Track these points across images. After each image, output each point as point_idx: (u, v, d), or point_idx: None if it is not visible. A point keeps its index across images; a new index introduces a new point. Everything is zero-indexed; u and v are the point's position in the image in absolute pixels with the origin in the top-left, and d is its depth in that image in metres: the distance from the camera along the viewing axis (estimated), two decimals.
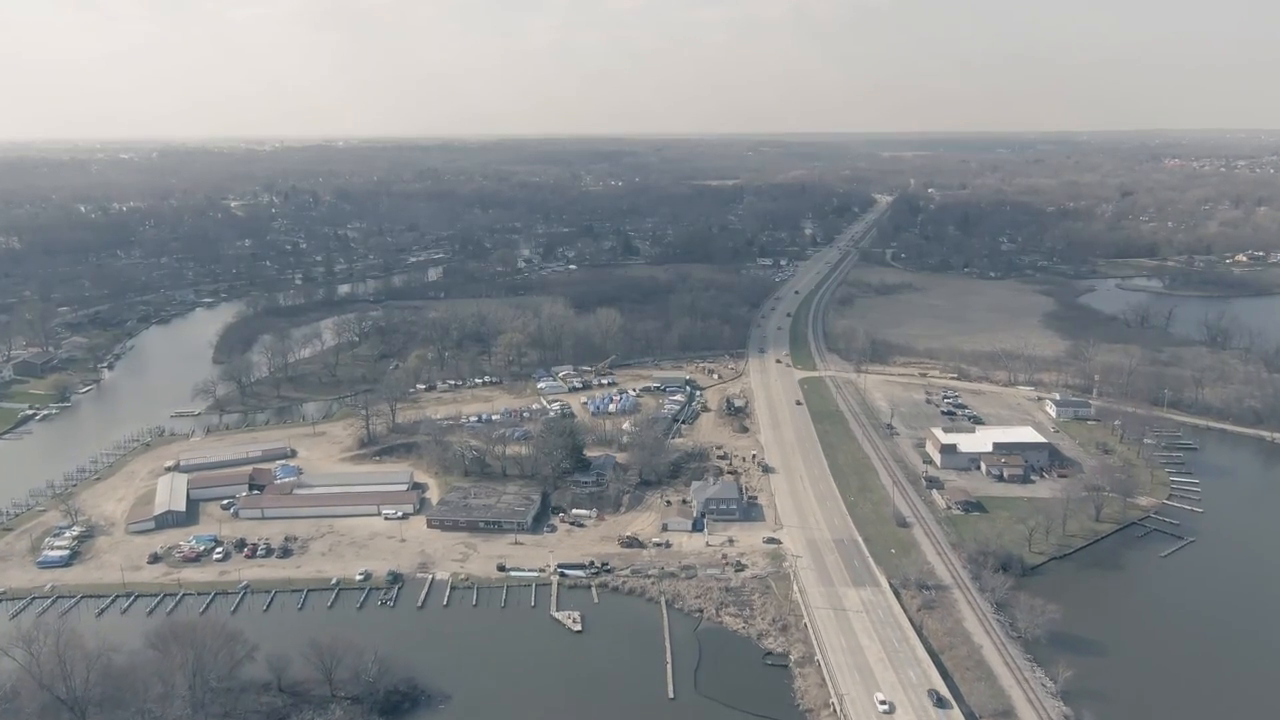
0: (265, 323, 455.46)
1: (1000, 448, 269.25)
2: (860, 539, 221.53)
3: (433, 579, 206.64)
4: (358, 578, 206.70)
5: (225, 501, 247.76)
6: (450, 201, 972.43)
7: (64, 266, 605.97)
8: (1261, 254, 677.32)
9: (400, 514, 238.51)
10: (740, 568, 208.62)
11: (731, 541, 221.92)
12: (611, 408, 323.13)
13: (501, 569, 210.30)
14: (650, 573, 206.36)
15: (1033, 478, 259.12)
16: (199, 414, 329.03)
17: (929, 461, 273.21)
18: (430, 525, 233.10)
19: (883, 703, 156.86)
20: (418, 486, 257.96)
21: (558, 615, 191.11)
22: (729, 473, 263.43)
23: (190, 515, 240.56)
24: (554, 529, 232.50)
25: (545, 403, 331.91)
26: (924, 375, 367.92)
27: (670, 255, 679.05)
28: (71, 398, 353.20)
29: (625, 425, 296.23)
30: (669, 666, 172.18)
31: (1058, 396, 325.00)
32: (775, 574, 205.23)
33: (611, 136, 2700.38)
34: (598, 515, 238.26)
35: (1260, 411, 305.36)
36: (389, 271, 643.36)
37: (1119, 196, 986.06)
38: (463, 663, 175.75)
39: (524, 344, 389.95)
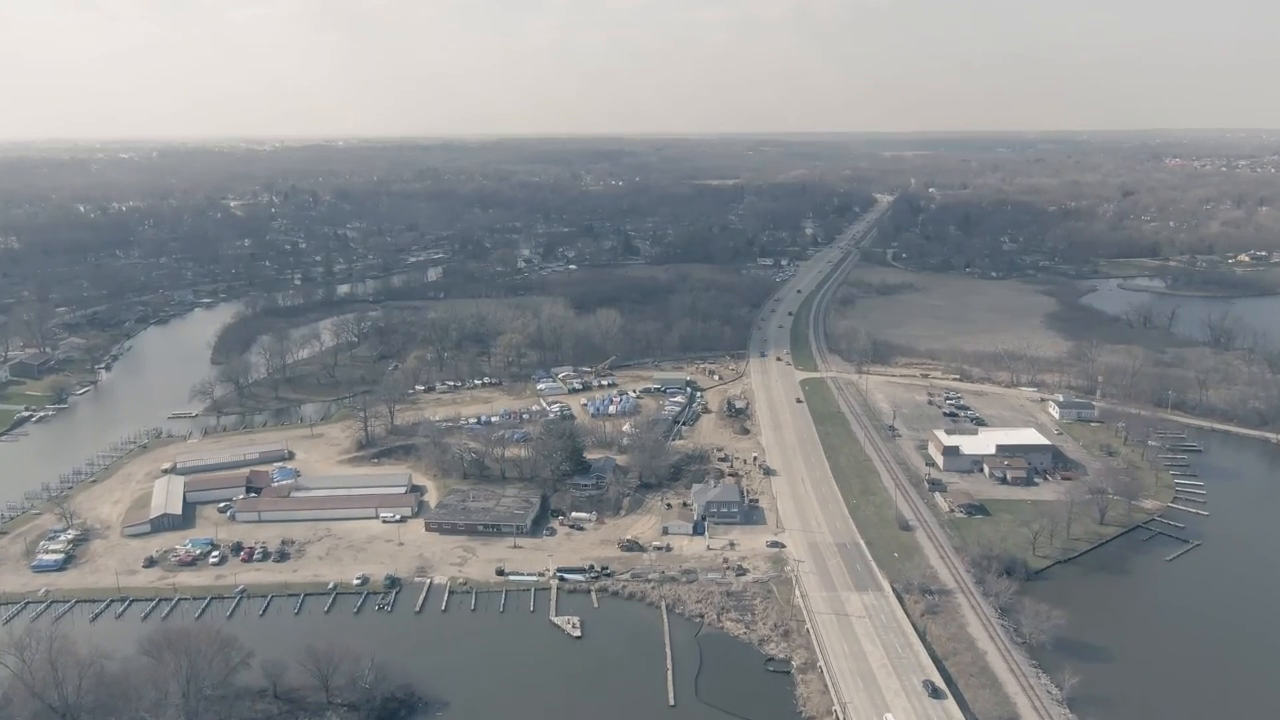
0: (264, 323, 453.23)
1: (1003, 450, 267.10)
2: (862, 542, 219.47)
3: (431, 583, 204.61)
4: (355, 582, 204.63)
5: (222, 504, 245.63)
6: (450, 201, 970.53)
7: (62, 267, 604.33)
8: (1264, 254, 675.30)
9: (398, 517, 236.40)
10: (741, 572, 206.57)
11: (733, 545, 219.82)
12: (611, 409, 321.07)
13: (500, 573, 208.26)
14: (650, 577, 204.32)
15: (1036, 480, 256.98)
16: (196, 415, 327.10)
17: (931, 464, 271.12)
18: (428, 528, 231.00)
19: None
20: (416, 489, 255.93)
21: (557, 620, 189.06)
22: (730, 475, 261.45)
23: (186, 518, 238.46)
24: (553, 532, 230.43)
25: (545, 404, 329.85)
26: (926, 376, 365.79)
27: (671, 255, 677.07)
28: (68, 399, 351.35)
29: (625, 427, 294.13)
30: (669, 673, 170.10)
31: (1061, 398, 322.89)
32: (777, 578, 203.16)
33: (612, 136, 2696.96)
34: (597, 518, 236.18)
35: (1265, 413, 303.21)
36: (388, 271, 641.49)
37: (1120, 196, 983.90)
38: (460, 669, 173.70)
39: (523, 345, 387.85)
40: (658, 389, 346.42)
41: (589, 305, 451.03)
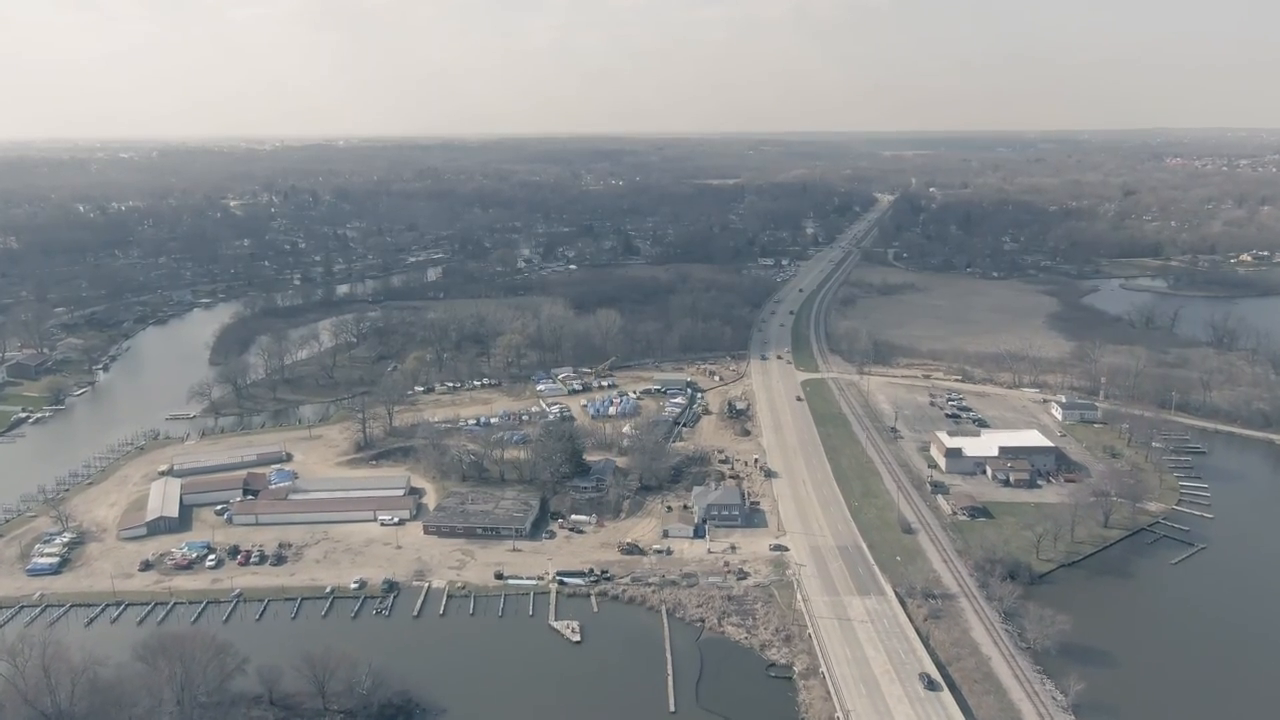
0: (262, 323, 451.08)
1: (1006, 452, 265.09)
2: (865, 546, 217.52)
3: (429, 587, 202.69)
4: (353, 586, 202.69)
5: (219, 507, 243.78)
6: (450, 201, 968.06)
7: (61, 266, 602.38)
8: (1266, 253, 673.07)
9: (396, 520, 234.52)
10: (743, 575, 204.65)
11: (734, 548, 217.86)
12: (611, 410, 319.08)
13: (499, 577, 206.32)
14: (651, 581, 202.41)
15: (1039, 482, 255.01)
16: (194, 417, 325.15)
17: (933, 466, 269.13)
18: (427, 531, 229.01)
19: None
20: (414, 491, 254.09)
21: (556, 625, 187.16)
22: (731, 477, 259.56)
23: (183, 521, 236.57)
24: (553, 535, 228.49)
25: (544, 405, 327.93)
26: (927, 377, 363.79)
27: (671, 255, 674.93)
28: (66, 400, 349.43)
29: (625, 428, 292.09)
30: (670, 678, 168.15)
31: (1064, 399, 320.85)
32: (778, 582, 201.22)
33: (612, 135, 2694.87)
34: (597, 521, 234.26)
35: (1269, 414, 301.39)
36: (388, 271, 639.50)
37: (1122, 196, 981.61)
38: (459, 674, 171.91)
39: (523, 345, 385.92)
40: (658, 390, 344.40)
41: (589, 305, 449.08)
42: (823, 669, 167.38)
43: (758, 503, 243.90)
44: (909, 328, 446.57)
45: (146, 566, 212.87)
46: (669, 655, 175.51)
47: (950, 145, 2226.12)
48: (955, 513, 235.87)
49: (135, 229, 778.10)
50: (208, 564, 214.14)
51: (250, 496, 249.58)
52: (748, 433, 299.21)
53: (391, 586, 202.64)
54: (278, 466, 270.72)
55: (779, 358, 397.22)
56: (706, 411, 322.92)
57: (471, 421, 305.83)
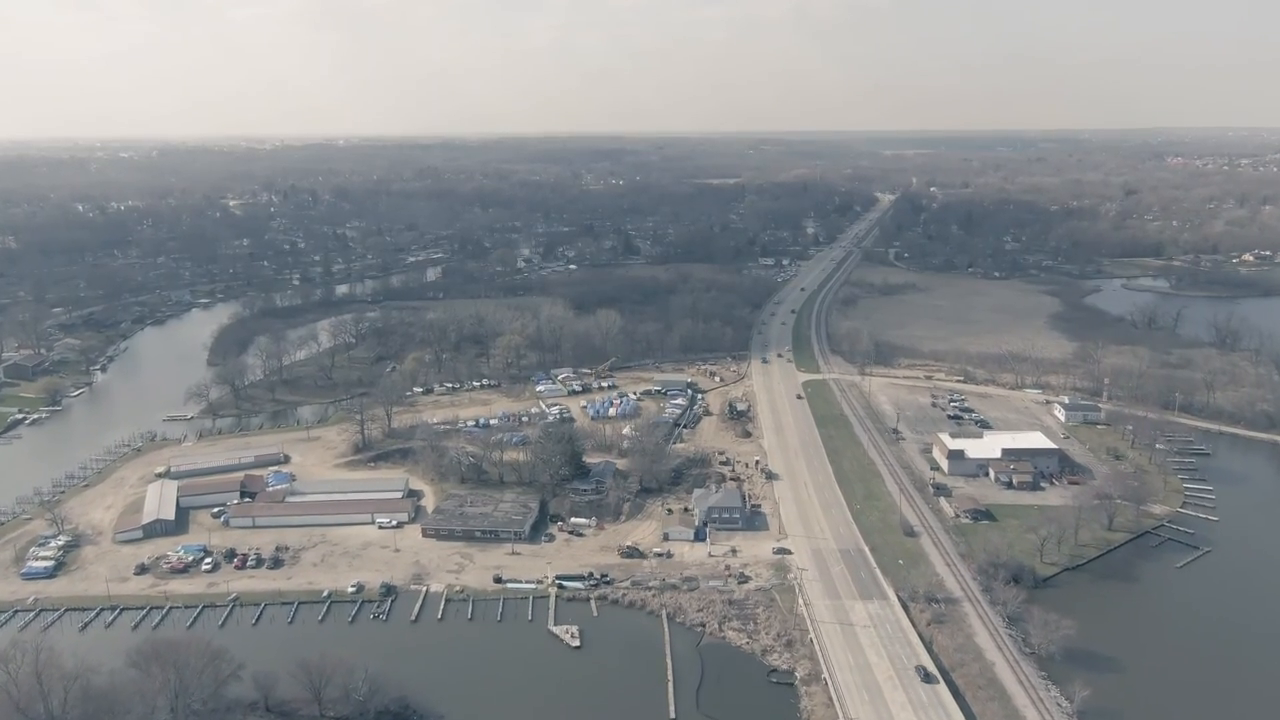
0: (261, 324, 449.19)
1: (1009, 453, 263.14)
2: (867, 549, 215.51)
3: (427, 591, 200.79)
4: (350, 590, 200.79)
5: (216, 509, 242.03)
6: (450, 200, 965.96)
7: (60, 266, 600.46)
8: (1268, 253, 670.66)
9: (395, 523, 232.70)
10: (744, 579, 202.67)
11: (734, 552, 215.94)
12: (611, 412, 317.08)
13: (498, 580, 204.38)
14: (651, 584, 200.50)
15: (1043, 485, 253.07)
16: (192, 418, 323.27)
17: (936, 468, 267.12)
18: (425, 534, 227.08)
19: None
20: (413, 494, 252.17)
21: (555, 629, 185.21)
22: (732, 479, 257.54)
23: (180, 524, 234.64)
24: (552, 538, 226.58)
25: (544, 406, 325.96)
26: (929, 378, 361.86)
27: (671, 255, 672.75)
28: (62, 401, 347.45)
29: (625, 430, 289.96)
30: (670, 684, 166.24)
31: (1067, 400, 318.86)
32: (780, 586, 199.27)
33: (612, 135, 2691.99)
34: (597, 524, 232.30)
35: (1273, 415, 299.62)
36: (387, 271, 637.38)
37: (1123, 195, 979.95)
38: (457, 680, 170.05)
39: (523, 346, 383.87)
40: (658, 391, 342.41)
41: (589, 306, 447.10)
42: (825, 675, 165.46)
43: (759, 505, 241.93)
44: (910, 328, 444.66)
45: (142, 570, 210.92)
46: (669, 661, 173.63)
47: (951, 145, 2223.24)
48: (958, 515, 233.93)
49: (134, 229, 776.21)
50: (204, 567, 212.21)
51: (247, 499, 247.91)
52: (749, 434, 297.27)
53: (389, 590, 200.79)
54: (275, 468, 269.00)
55: (779, 356, 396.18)
56: (707, 413, 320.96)
57: (470, 423, 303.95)
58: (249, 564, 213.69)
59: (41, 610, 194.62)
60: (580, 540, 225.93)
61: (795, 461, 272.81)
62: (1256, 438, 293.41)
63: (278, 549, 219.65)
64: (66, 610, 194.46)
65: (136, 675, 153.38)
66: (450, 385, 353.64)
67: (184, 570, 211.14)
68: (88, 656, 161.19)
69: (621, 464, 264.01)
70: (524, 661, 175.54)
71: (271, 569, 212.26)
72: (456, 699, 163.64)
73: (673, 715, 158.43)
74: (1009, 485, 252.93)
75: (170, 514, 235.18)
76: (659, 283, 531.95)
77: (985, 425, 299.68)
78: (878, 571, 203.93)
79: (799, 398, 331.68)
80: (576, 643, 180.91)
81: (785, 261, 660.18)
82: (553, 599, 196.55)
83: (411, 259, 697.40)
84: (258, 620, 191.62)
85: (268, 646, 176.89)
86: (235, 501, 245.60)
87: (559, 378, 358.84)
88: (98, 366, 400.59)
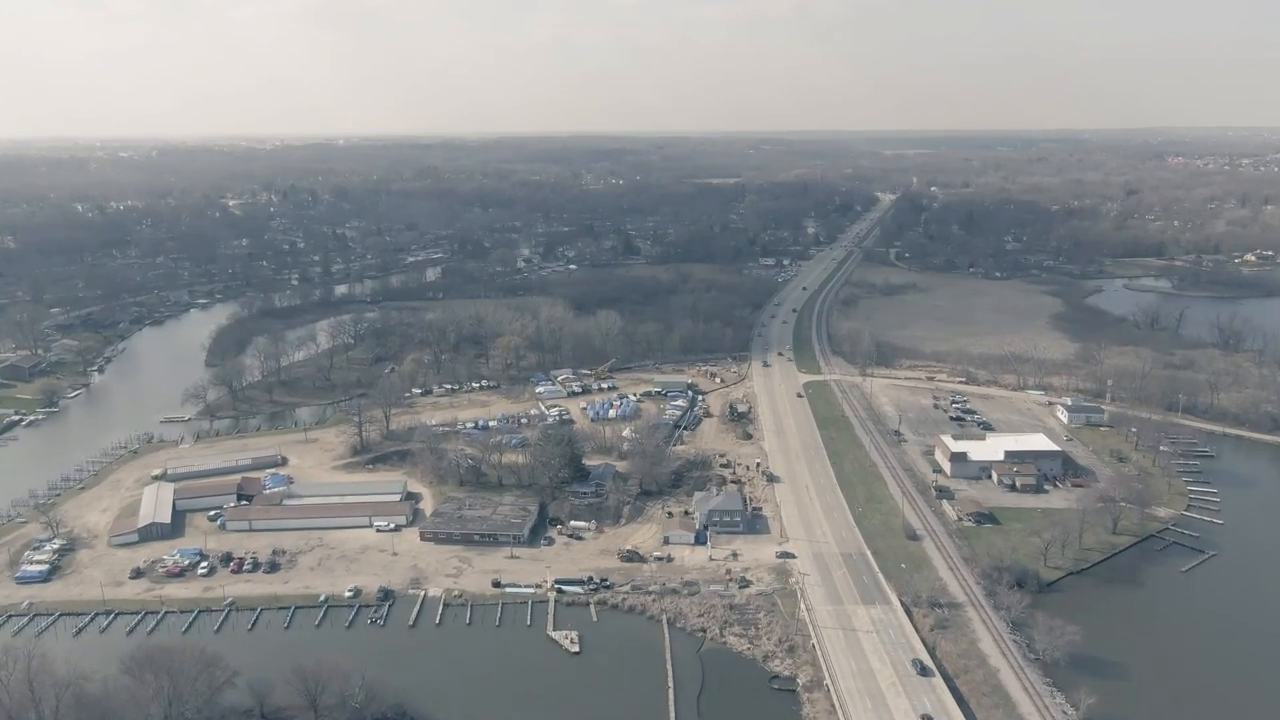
0: (260, 324, 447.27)
1: (1012, 456, 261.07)
2: (869, 553, 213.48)
3: (425, 596, 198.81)
4: (347, 594, 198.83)
5: (212, 512, 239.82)
6: (450, 200, 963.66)
7: (58, 267, 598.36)
8: (1270, 253, 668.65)
9: (393, 526, 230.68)
10: (745, 584, 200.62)
11: (735, 555, 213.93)
12: (611, 413, 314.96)
13: (497, 585, 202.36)
14: (651, 589, 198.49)
15: (1046, 487, 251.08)
16: (189, 419, 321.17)
17: (938, 470, 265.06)
18: (423, 538, 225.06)
19: None
20: (411, 497, 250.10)
21: (554, 635, 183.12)
22: (732, 482, 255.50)
23: (175, 527, 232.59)
24: (551, 542, 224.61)
25: (543, 408, 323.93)
26: (931, 379, 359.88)
27: (672, 255, 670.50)
28: (59, 403, 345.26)
29: (625, 432, 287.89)
30: (670, 691, 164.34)
31: (1069, 401, 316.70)
32: (781, 590, 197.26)
33: (613, 134, 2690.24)
34: (597, 527, 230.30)
35: (1278, 417, 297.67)
36: (386, 271, 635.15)
37: (1124, 195, 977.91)
38: (455, 686, 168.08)
39: (522, 347, 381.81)
40: (658, 392, 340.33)
41: (589, 306, 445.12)
42: (827, 681, 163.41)
43: (760, 508, 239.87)
44: (911, 329, 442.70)
45: (138, 574, 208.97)
46: (670, 667, 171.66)
47: (951, 144, 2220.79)
48: (961, 519, 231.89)
49: (133, 229, 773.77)
50: (200, 571, 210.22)
51: (244, 501, 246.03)
52: (749, 436, 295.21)
53: (387, 595, 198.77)
54: (272, 471, 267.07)
55: (780, 354, 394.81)
56: (708, 414, 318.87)
57: (470, 424, 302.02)
58: (245, 568, 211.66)
59: (35, 615, 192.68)
60: (580, 544, 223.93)
61: (796, 464, 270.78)
62: (1261, 440, 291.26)
63: (274, 553, 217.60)
64: (61, 615, 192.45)
65: (130, 682, 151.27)
66: (449, 386, 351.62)
67: (180, 574, 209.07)
68: (81, 663, 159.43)
69: (621, 466, 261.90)
70: (522, 667, 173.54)
71: (268, 573, 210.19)
72: (454, 706, 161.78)
73: None
74: (1012, 488, 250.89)
75: (166, 517, 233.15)
76: (659, 283, 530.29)
77: (987, 427, 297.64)
78: (880, 576, 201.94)
79: (799, 396, 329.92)
80: (576, 648, 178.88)
81: (786, 261, 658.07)
82: (552, 604, 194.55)
83: (411, 259, 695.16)
84: (253, 625, 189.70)
85: (263, 652, 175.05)
86: (232, 504, 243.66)
87: (558, 379, 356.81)
88: (95, 368, 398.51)
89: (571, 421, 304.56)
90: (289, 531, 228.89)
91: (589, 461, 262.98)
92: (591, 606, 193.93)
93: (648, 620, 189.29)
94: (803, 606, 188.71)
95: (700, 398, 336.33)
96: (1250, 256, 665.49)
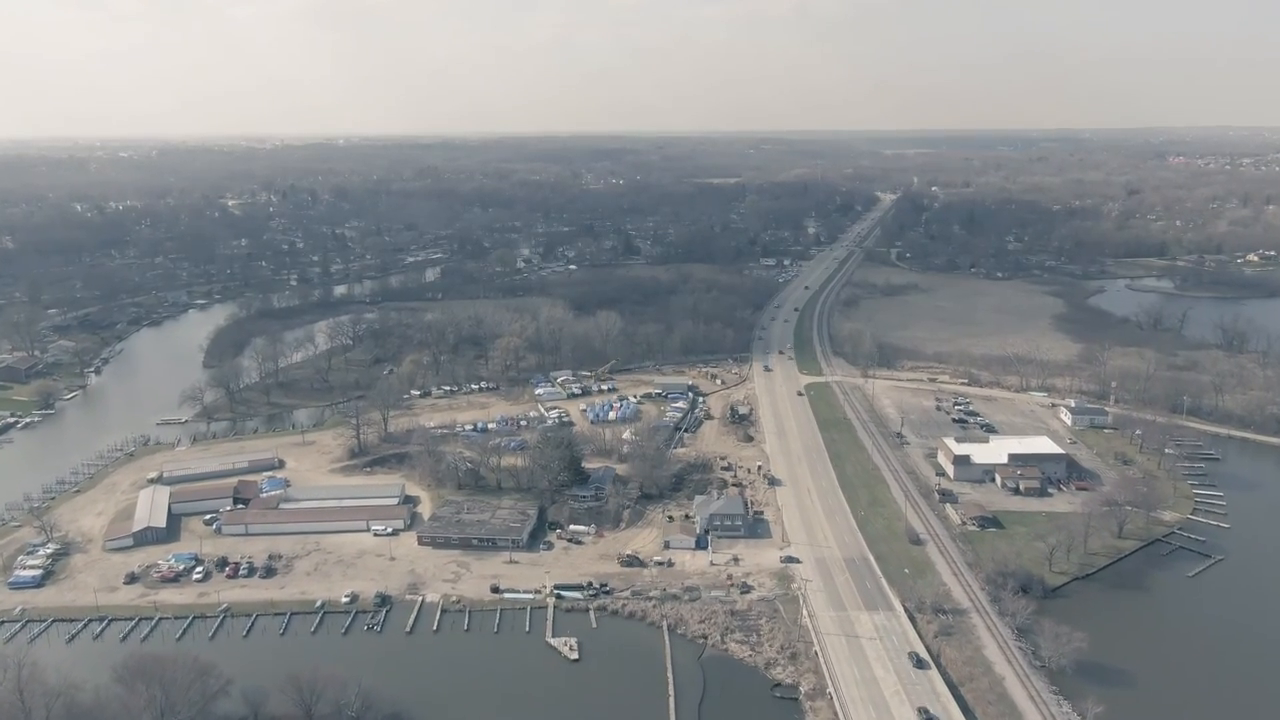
0: (258, 325, 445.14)
1: (1016, 459, 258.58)
2: (872, 558, 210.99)
3: (423, 601, 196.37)
4: (344, 600, 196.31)
5: (208, 516, 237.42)
6: (449, 200, 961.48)
7: (56, 267, 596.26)
8: (1273, 253, 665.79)
9: (390, 530, 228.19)
10: (746, 589, 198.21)
11: (737, 560, 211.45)
12: (611, 415, 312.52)
13: (495, 590, 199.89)
14: (651, 594, 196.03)
15: (1050, 491, 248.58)
16: (186, 421, 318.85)
17: (941, 473, 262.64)
18: (421, 542, 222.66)
19: None
20: (409, 500, 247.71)
21: (553, 642, 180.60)
22: (734, 485, 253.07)
23: (171, 531, 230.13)
24: (550, 546, 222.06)
25: (543, 410, 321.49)
26: (933, 380, 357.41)
27: (672, 255, 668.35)
28: (55, 404, 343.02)
29: (625, 434, 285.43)
30: (671, 699, 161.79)
31: (1073, 403, 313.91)
32: (783, 596, 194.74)
33: (613, 134, 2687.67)
34: (596, 532, 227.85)
35: None
36: (386, 272, 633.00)
37: (1125, 195, 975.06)
38: (452, 694, 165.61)
39: (522, 348, 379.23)
40: (659, 394, 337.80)
41: (589, 307, 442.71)
42: (830, 689, 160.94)
43: (761, 512, 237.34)
44: (913, 329, 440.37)
45: (132, 579, 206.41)
46: (670, 674, 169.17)
47: (952, 144, 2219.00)
48: (964, 523, 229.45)
49: (132, 229, 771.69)
50: (195, 576, 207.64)
51: (240, 505, 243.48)
52: (750, 438, 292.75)
53: (384, 600, 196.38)
54: (269, 474, 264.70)
55: (781, 354, 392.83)
56: (708, 416, 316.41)
57: (468, 427, 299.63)
58: (241, 573, 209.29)
59: (28, 621, 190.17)
60: (579, 548, 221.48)
61: (798, 467, 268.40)
62: (1266, 442, 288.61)
63: (270, 557, 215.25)
64: (54, 621, 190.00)
65: (121, 692, 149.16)
66: (448, 388, 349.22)
67: (174, 579, 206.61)
68: (73, 670, 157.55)
69: (621, 469, 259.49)
70: (521, 674, 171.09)
71: (264, 578, 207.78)
72: (451, 714, 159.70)
73: None
74: (1016, 491, 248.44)
75: (162, 521, 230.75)
76: (659, 283, 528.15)
77: (990, 429, 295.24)
78: (883, 581, 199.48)
79: (799, 394, 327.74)
80: (575, 655, 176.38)
81: (786, 262, 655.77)
82: (551, 610, 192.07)
83: (410, 259, 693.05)
84: (249, 632, 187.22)
85: (259, 659, 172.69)
86: (228, 508, 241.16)
87: (558, 380, 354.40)
88: (92, 369, 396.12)
89: (571, 424, 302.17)
90: (285, 535, 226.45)
91: (589, 464, 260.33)
92: (591, 612, 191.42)
93: (648, 626, 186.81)
94: (805, 613, 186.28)
95: (701, 399, 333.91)
96: (1253, 256, 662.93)
